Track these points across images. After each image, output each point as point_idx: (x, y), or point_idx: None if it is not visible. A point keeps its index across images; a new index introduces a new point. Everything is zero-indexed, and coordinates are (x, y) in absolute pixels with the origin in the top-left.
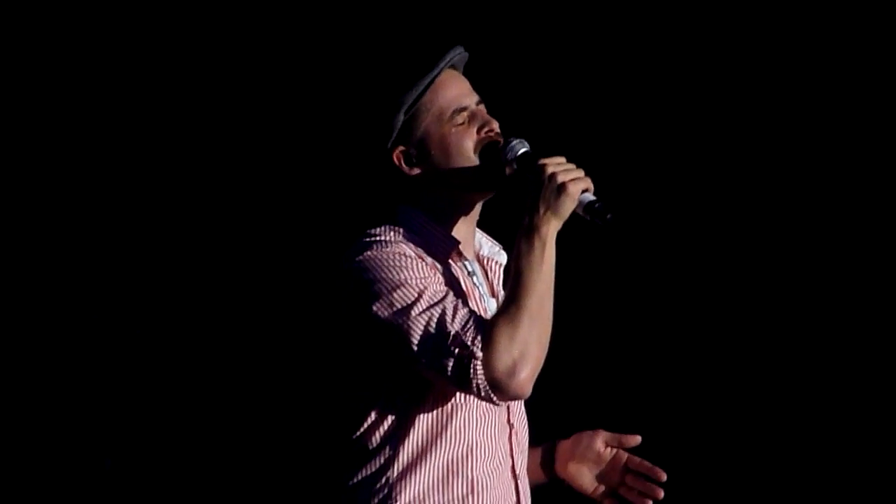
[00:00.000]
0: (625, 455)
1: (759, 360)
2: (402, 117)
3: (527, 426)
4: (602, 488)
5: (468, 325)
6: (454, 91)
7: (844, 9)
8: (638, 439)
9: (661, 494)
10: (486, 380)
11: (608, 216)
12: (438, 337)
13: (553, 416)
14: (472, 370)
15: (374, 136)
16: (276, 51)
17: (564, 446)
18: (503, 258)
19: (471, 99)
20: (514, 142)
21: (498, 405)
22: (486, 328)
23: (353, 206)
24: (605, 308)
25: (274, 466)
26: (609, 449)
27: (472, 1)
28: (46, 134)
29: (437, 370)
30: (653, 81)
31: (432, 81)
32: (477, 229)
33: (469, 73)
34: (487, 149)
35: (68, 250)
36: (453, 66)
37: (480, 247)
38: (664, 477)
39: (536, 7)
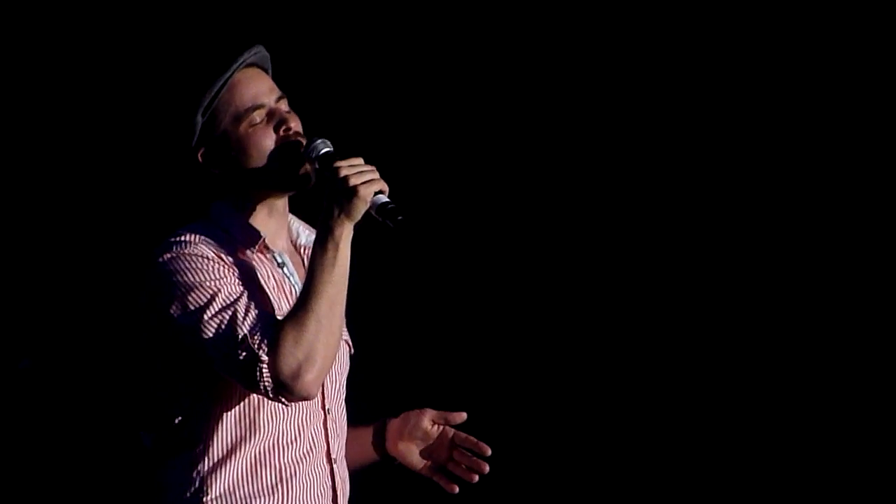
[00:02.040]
0: (451, 431)
1: (751, 361)
2: (200, 118)
3: (344, 409)
4: (430, 464)
5: (256, 328)
6: (251, 90)
7: (842, 9)
8: (463, 416)
9: (487, 468)
10: (271, 381)
11: (398, 218)
12: (228, 339)
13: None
14: (258, 372)
15: (176, 137)
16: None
17: (394, 425)
18: None
19: (269, 97)
20: (317, 142)
21: (286, 406)
22: (274, 331)
23: (172, 201)
24: (593, 306)
25: (85, 464)
26: (436, 426)
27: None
28: (44, 135)
29: (228, 371)
30: (642, 78)
31: (227, 81)
32: (294, 218)
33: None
34: (286, 148)
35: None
36: (258, 66)
37: (298, 235)
38: (489, 451)
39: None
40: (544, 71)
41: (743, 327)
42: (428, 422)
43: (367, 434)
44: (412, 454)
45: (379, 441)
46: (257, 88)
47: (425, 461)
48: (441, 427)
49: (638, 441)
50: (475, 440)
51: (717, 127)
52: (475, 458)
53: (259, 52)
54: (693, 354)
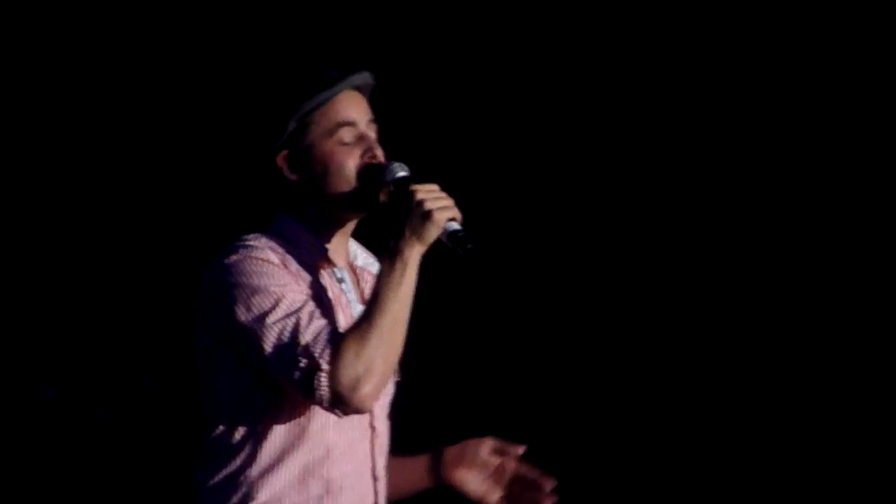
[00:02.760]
0: (512, 463)
1: (751, 362)
2: (293, 123)
3: (388, 430)
4: (490, 494)
5: (319, 337)
6: (349, 110)
7: (842, 9)
8: (523, 448)
9: (555, 500)
10: (329, 392)
11: (468, 246)
12: (289, 346)
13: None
14: (316, 381)
15: (264, 134)
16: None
17: (452, 452)
18: (376, 269)
19: (363, 121)
20: (394, 165)
21: (340, 417)
22: (335, 342)
23: (238, 208)
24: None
25: (136, 465)
26: (495, 456)
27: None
28: (43, 134)
29: (286, 378)
30: (640, 77)
31: (331, 96)
32: (353, 241)
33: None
34: (367, 171)
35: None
36: (359, 90)
37: (355, 257)
38: (551, 486)
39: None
40: (559, 81)
41: (759, 329)
42: (487, 451)
43: (417, 462)
44: (470, 482)
45: (435, 467)
46: (355, 110)
47: (484, 489)
48: (500, 458)
49: (648, 443)
50: (537, 474)
51: (719, 128)
52: (538, 494)
53: (365, 78)
54: (714, 356)
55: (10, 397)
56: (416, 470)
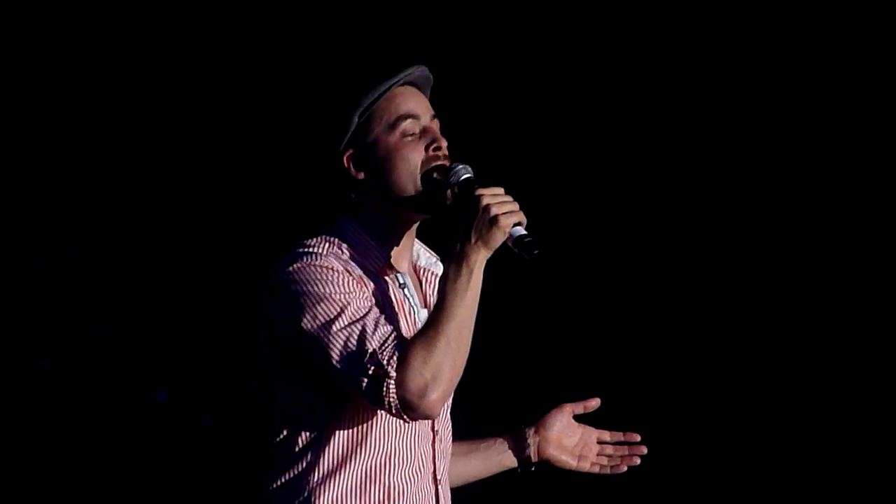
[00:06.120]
0: (595, 432)
1: (751, 362)
2: (356, 119)
3: (450, 432)
4: (582, 461)
5: (386, 344)
6: (410, 103)
7: (842, 9)
8: (598, 401)
9: (645, 450)
10: (397, 398)
11: (535, 251)
12: (356, 353)
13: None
14: (384, 388)
15: (329, 134)
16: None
17: (537, 429)
18: (440, 269)
19: (425, 114)
20: (459, 167)
21: (408, 422)
22: (402, 348)
23: (299, 211)
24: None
25: (209, 471)
26: (575, 424)
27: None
28: (40, 135)
29: (353, 385)
30: (640, 82)
31: (389, 89)
32: (416, 240)
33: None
34: (432, 173)
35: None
36: (417, 86)
37: (418, 258)
38: (638, 437)
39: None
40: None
41: (733, 328)
42: (569, 416)
43: (492, 446)
44: (562, 453)
45: (521, 448)
46: (416, 103)
47: (576, 457)
48: (581, 426)
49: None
50: (622, 433)
51: (723, 130)
52: (629, 447)
53: (423, 73)
54: (686, 354)
55: (121, 401)
56: (496, 453)
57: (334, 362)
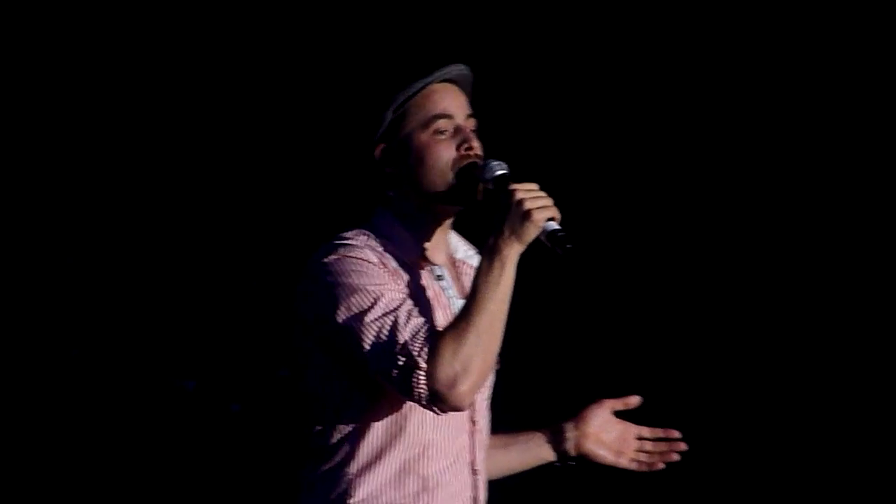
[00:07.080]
0: (633, 428)
1: (754, 362)
2: (391, 114)
3: (489, 422)
4: (620, 457)
5: (417, 336)
6: (445, 101)
7: (841, 9)
8: (638, 399)
9: (685, 446)
10: (427, 390)
11: (567, 246)
12: (388, 344)
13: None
14: (415, 379)
15: (363, 127)
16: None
17: (577, 424)
18: (476, 261)
19: (460, 113)
20: (494, 163)
21: (439, 414)
22: (433, 340)
23: (338, 203)
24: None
25: (236, 460)
26: (614, 419)
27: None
28: (38, 135)
29: (384, 376)
30: (650, 77)
31: (426, 86)
32: (453, 232)
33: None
34: (465, 168)
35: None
36: (456, 83)
37: (456, 250)
38: (678, 434)
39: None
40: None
41: (736, 328)
42: (609, 412)
43: (531, 439)
44: (601, 448)
45: (559, 441)
46: (452, 101)
47: (614, 453)
48: (620, 422)
49: None
50: (661, 430)
51: (725, 131)
52: (669, 443)
53: (462, 71)
54: (688, 354)
55: (151, 390)
56: (535, 446)
57: (366, 353)
